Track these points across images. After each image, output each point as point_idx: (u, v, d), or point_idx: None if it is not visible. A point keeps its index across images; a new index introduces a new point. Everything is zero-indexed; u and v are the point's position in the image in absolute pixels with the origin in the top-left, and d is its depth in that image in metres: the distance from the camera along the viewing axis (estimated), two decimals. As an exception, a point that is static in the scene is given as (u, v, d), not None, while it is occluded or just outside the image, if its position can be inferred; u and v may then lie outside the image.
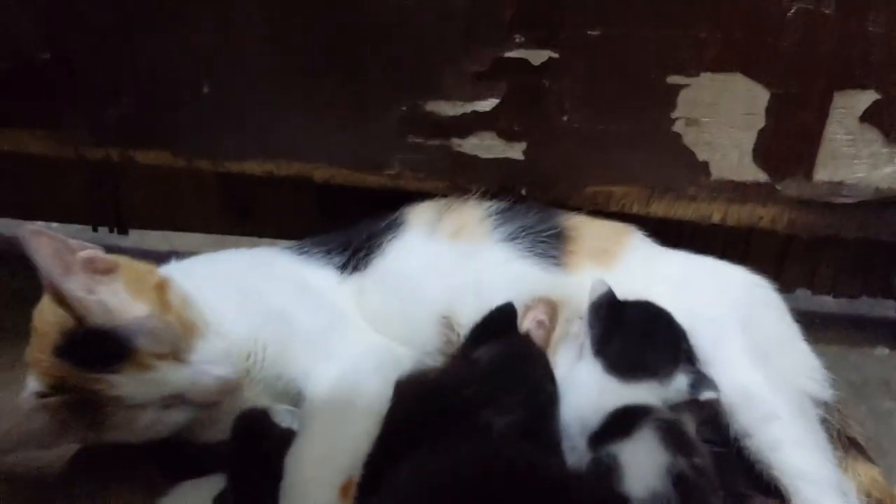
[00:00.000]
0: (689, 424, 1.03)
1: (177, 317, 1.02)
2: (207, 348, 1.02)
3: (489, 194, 1.31)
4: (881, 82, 1.24)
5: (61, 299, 0.98)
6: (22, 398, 0.99)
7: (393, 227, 1.27)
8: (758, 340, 1.16)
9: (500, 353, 1.09)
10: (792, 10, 1.19)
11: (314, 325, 1.15)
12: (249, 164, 1.34)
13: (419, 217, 1.29)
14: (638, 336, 1.07)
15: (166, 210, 1.49)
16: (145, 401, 0.97)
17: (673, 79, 1.25)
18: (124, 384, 0.96)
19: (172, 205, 1.48)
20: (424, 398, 1.04)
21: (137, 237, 1.55)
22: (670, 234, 1.32)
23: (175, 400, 0.99)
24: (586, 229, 1.29)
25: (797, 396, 1.12)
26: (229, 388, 1.02)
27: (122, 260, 1.06)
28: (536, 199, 1.32)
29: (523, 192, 1.33)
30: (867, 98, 1.25)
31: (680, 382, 1.03)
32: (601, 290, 1.10)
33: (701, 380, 1.03)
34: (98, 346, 0.96)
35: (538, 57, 1.24)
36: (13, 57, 1.27)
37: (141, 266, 1.09)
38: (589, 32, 1.22)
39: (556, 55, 1.23)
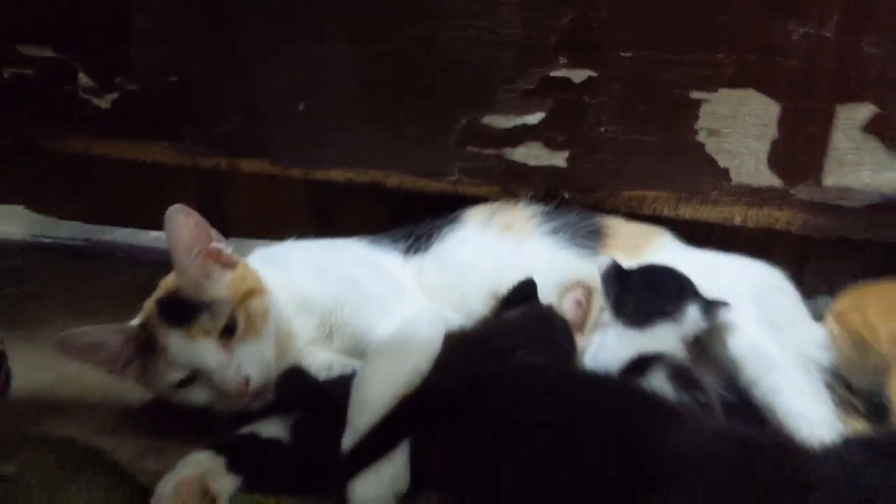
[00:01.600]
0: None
1: (246, 317, 1.22)
2: (254, 350, 1.21)
3: (536, 198, 1.53)
4: (878, 96, 1.42)
5: (181, 269, 1.23)
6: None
7: (452, 222, 1.50)
8: (769, 314, 1.32)
9: (524, 314, 1.29)
10: (797, 35, 1.40)
11: (381, 292, 1.37)
12: (334, 172, 1.59)
13: (475, 215, 1.51)
14: (646, 289, 1.24)
15: (263, 219, 1.73)
16: (180, 363, 1.19)
17: (695, 94, 1.46)
18: (173, 341, 1.18)
19: (267, 214, 1.73)
20: (464, 346, 1.23)
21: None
22: (698, 237, 1.50)
23: (204, 377, 1.19)
24: (621, 228, 1.49)
25: (802, 359, 1.28)
26: (250, 391, 1.19)
27: (241, 261, 1.31)
28: (578, 203, 1.53)
29: (566, 196, 1.55)
30: (867, 110, 1.43)
31: (692, 315, 1.20)
32: (607, 264, 1.29)
33: (711, 305, 1.21)
34: (178, 308, 1.20)
35: (579, 76, 1.47)
36: (146, 80, 1.56)
37: (251, 272, 1.32)
38: (623, 54, 1.45)
39: (595, 74, 1.46)
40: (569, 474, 0.90)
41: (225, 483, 1.09)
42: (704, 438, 0.92)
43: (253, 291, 1.27)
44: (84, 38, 1.55)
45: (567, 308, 1.38)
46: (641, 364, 1.18)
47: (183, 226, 1.23)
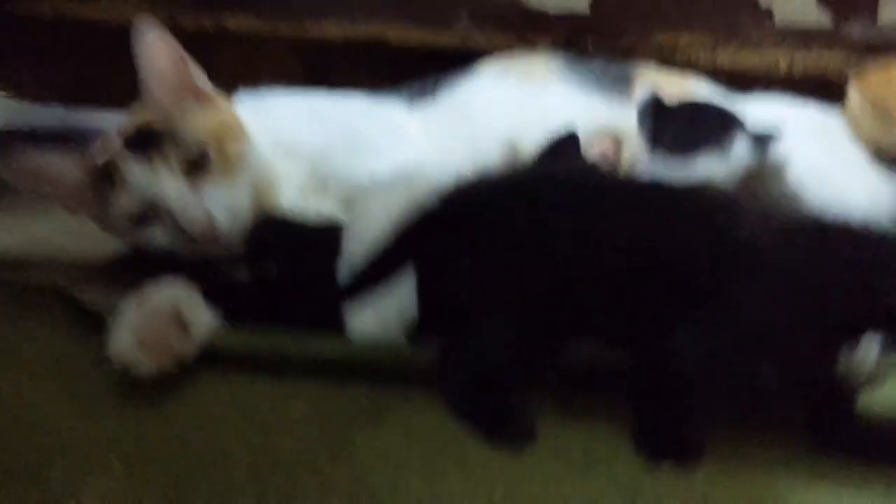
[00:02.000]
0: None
1: (220, 157, 1.09)
2: (225, 193, 1.07)
3: (556, 48, 1.37)
4: None
5: (151, 98, 1.08)
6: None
7: (464, 74, 1.34)
8: (835, 148, 1.17)
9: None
10: None
11: (381, 137, 1.22)
12: (329, 26, 1.43)
13: (489, 66, 1.35)
14: (688, 121, 1.10)
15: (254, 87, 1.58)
16: (139, 193, 1.05)
17: (733, -85, 1.30)
18: (133, 170, 1.05)
19: (259, 82, 1.57)
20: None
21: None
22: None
23: (166, 215, 1.05)
24: (653, 75, 1.33)
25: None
26: (216, 235, 1.06)
27: (220, 98, 1.17)
28: (604, 52, 1.37)
29: (590, 46, 1.39)
30: (929, -77, 1.27)
31: (740, 147, 1.05)
32: (646, 96, 1.14)
33: (762, 138, 1.05)
34: (143, 138, 1.07)
35: None
36: (118, -76, 1.40)
37: (231, 113, 1.17)
38: None
39: None
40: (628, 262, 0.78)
41: (202, 316, 0.93)
42: (773, 223, 0.79)
43: (230, 130, 1.13)
44: None
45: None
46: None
47: (157, 47, 1.09)
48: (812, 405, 0.85)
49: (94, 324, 0.94)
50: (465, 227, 0.85)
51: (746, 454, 0.83)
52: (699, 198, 0.84)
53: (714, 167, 1.06)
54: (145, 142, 1.06)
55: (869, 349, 0.95)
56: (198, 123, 1.10)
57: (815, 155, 1.12)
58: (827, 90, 1.40)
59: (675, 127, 1.10)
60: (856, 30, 1.33)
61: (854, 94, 1.17)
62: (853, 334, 0.78)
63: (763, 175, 1.11)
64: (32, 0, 1.47)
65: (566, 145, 1.17)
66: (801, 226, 0.80)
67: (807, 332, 0.75)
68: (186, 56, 1.12)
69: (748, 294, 0.74)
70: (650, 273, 0.77)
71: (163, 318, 0.89)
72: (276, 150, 1.18)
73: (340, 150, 1.19)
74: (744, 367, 0.78)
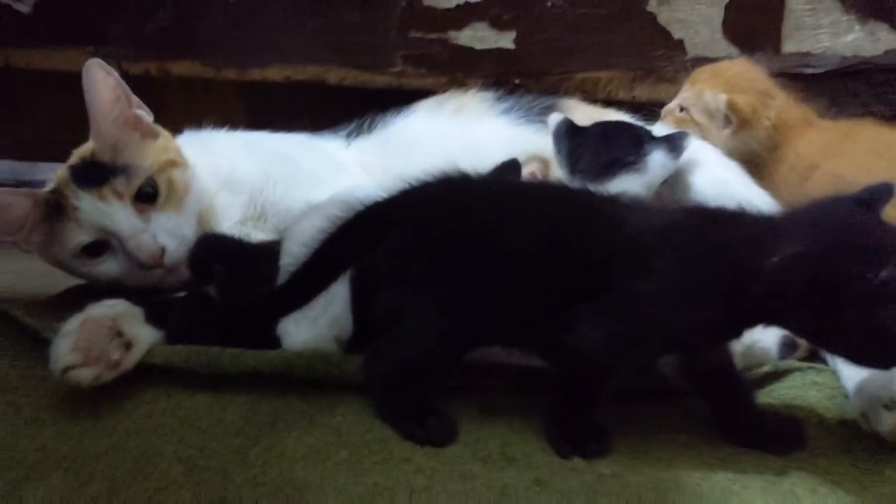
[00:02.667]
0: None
1: (167, 186, 1.16)
2: (172, 221, 1.15)
3: (486, 86, 1.46)
4: (831, -51, 1.38)
5: (98, 132, 1.14)
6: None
7: (400, 111, 1.43)
8: (736, 168, 1.26)
9: None
10: None
11: (317, 167, 1.30)
12: (270, 70, 1.51)
13: (424, 103, 1.44)
14: (601, 143, 1.18)
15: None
16: (89, 224, 1.12)
17: (643, -41, 1.41)
18: (83, 202, 1.11)
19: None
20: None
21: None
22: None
23: (116, 246, 1.12)
24: (578, 107, 1.43)
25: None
26: (166, 262, 1.13)
27: (164, 132, 1.24)
28: (530, 89, 1.46)
29: (517, 82, 1.48)
30: (821, -34, 1.39)
31: (657, 158, 1.13)
32: (558, 120, 1.22)
33: (672, 139, 1.13)
34: (91, 171, 1.14)
35: (521, -56, 1.41)
36: (67, -23, 1.48)
37: (173, 144, 1.25)
38: (564, -81, 1.39)
39: (537, -58, 1.41)
40: (525, 263, 0.85)
41: (142, 332, 0.98)
42: (656, 221, 0.87)
43: (174, 162, 1.20)
44: (1, -63, 1.47)
45: (524, 181, 1.30)
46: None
47: (103, 84, 1.16)
48: (713, 396, 0.92)
49: (40, 346, 0.98)
50: (391, 230, 0.90)
51: (652, 441, 0.90)
52: (592, 200, 0.91)
53: (633, 183, 1.13)
54: (93, 174, 1.13)
55: (768, 348, 1.03)
56: (144, 155, 1.17)
57: (718, 168, 1.20)
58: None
59: (590, 149, 1.18)
60: (761, 60, 1.43)
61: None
62: (742, 318, 0.84)
63: (675, 185, 1.21)
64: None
65: (509, 170, 1.26)
66: (680, 220, 0.87)
67: (699, 318, 0.81)
68: (130, 92, 1.19)
69: (640, 285, 0.81)
70: (553, 268, 0.83)
71: (102, 331, 0.93)
72: (217, 182, 1.25)
73: (278, 181, 1.26)
74: (643, 353, 0.85)
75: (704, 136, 1.29)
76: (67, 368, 0.89)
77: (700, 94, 1.30)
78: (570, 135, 1.21)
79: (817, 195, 0.90)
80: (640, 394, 0.96)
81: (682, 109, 1.32)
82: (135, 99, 1.20)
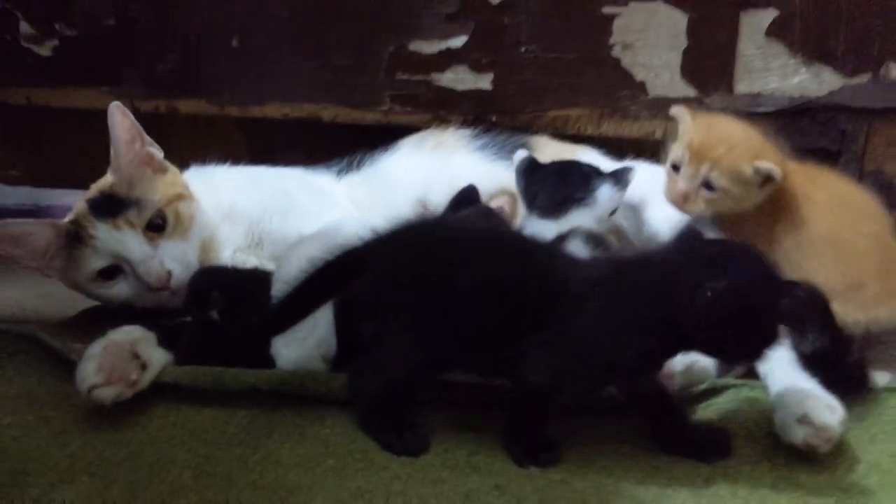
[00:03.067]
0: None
1: (175, 217, 1.31)
2: (178, 249, 1.30)
3: (466, 123, 1.60)
4: (778, 0, 1.51)
5: (116, 168, 1.29)
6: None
7: (387, 148, 1.57)
8: None
9: (470, 214, 1.36)
10: (695, -55, 1.50)
11: (311, 200, 1.44)
12: (270, 107, 1.65)
13: (407, 141, 1.58)
14: (555, 181, 1.31)
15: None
16: (105, 251, 1.27)
17: (607, 9, 1.54)
18: (100, 231, 1.27)
19: (209, 158, 1.77)
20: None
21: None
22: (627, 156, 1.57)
23: (128, 270, 1.27)
24: (547, 144, 1.57)
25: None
26: (172, 285, 1.28)
27: (172, 168, 1.39)
28: (505, 126, 1.60)
29: (494, 119, 1.61)
30: (769, 15, 1.52)
31: (604, 192, 1.26)
32: (520, 158, 1.35)
33: (618, 174, 1.26)
34: (108, 203, 1.29)
35: (496, -3, 1.55)
36: (85, 25, 1.61)
37: (180, 179, 1.40)
38: (536, -26, 1.53)
39: (511, -5, 1.55)
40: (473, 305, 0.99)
41: (156, 355, 1.11)
42: (580, 267, 1.03)
43: (181, 196, 1.35)
44: (23, -13, 1.62)
45: (494, 210, 1.44)
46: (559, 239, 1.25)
47: (120, 125, 1.31)
48: (649, 412, 1.05)
49: (64, 365, 1.12)
50: (369, 269, 1.04)
51: (598, 451, 1.04)
52: (529, 247, 1.06)
53: (584, 217, 1.27)
54: (110, 206, 1.28)
55: (707, 367, 1.16)
56: (155, 189, 1.32)
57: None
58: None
59: (545, 187, 1.31)
60: (716, 100, 1.57)
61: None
62: (670, 348, 0.98)
63: (633, 221, 1.35)
64: (6, 89, 1.67)
65: (467, 196, 1.41)
66: (601, 268, 1.02)
67: (630, 350, 0.95)
68: (143, 131, 1.35)
69: (574, 324, 0.95)
70: (501, 307, 0.97)
71: (122, 354, 1.07)
72: (219, 213, 1.39)
73: (274, 214, 1.40)
74: (583, 383, 0.99)
75: (740, 204, 1.26)
76: (93, 388, 1.03)
77: (731, 168, 1.24)
78: (528, 172, 1.34)
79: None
80: (587, 409, 1.10)
81: (708, 187, 1.25)
82: (147, 137, 1.34)
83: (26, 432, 1.04)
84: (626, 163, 1.40)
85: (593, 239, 1.22)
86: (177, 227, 1.31)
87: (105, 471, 0.97)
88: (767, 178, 1.24)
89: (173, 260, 1.29)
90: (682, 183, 1.25)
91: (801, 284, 0.96)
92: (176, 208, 1.32)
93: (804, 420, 1.01)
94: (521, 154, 1.35)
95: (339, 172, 1.54)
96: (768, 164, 1.23)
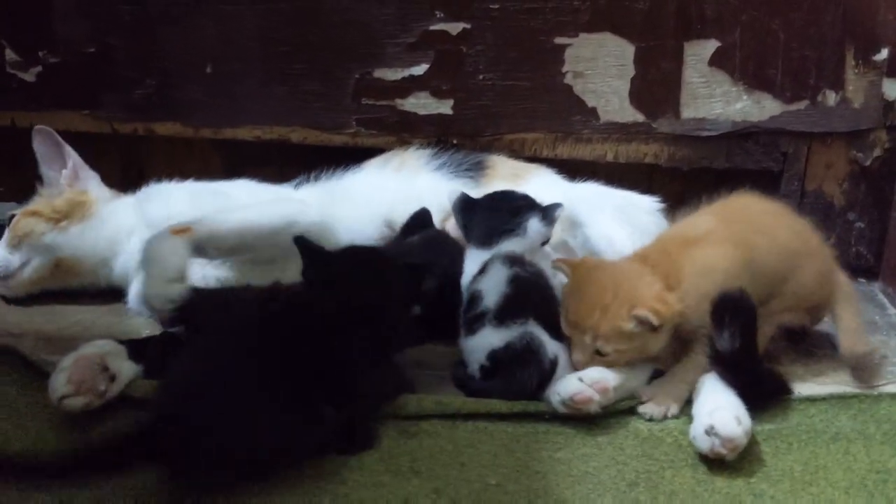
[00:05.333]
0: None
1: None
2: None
3: (428, 145, 1.69)
4: (719, 32, 1.61)
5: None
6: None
7: (350, 168, 1.65)
8: (630, 221, 1.48)
9: (427, 238, 1.46)
10: (641, -21, 1.59)
11: (251, 199, 1.54)
12: (242, 130, 1.74)
13: (372, 162, 1.67)
14: (487, 214, 1.37)
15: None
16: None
17: (559, 40, 1.64)
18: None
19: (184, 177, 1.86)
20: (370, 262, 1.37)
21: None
22: (583, 177, 1.65)
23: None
24: (501, 162, 1.65)
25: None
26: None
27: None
28: (466, 148, 1.69)
29: (455, 142, 1.70)
30: (711, 46, 1.62)
31: (534, 225, 1.33)
32: (456, 195, 1.40)
33: (547, 210, 1.34)
34: None
35: (455, 28, 1.64)
36: (67, 52, 1.70)
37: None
38: (491, 6, 1.63)
39: (469, 26, 1.64)
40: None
41: (125, 367, 1.20)
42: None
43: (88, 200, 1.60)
44: (10, 16, 1.70)
45: (450, 231, 1.53)
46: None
47: (43, 145, 1.63)
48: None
49: (42, 377, 1.20)
50: None
51: (533, 457, 1.13)
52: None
53: (515, 246, 1.34)
54: None
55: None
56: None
57: (608, 224, 1.43)
58: (644, 172, 1.75)
59: (479, 221, 1.37)
60: (664, 125, 1.67)
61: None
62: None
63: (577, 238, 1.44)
64: (-6, 112, 1.77)
65: (420, 219, 1.50)
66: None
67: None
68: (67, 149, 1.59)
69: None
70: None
71: (92, 366, 1.15)
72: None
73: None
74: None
75: (647, 350, 1.23)
76: (63, 397, 1.11)
77: (611, 331, 1.20)
78: (464, 208, 1.39)
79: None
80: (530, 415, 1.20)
81: (601, 353, 1.22)
82: (74, 156, 1.62)
83: (4, 440, 1.12)
84: (557, 200, 1.39)
85: (511, 259, 1.30)
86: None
87: (76, 475, 1.06)
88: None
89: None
90: (575, 354, 1.23)
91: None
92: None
93: (711, 431, 1.10)
94: (454, 192, 1.40)
95: (296, 185, 1.63)
96: (644, 313, 1.17)
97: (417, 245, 1.46)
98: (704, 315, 1.19)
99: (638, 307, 1.18)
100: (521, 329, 1.23)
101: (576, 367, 1.22)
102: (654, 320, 1.17)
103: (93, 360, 1.16)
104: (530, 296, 1.27)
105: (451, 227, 1.52)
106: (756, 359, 1.22)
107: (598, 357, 1.21)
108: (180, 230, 1.35)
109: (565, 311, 1.24)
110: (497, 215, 1.35)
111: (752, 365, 1.20)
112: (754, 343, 1.20)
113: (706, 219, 1.34)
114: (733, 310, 1.17)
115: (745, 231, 1.31)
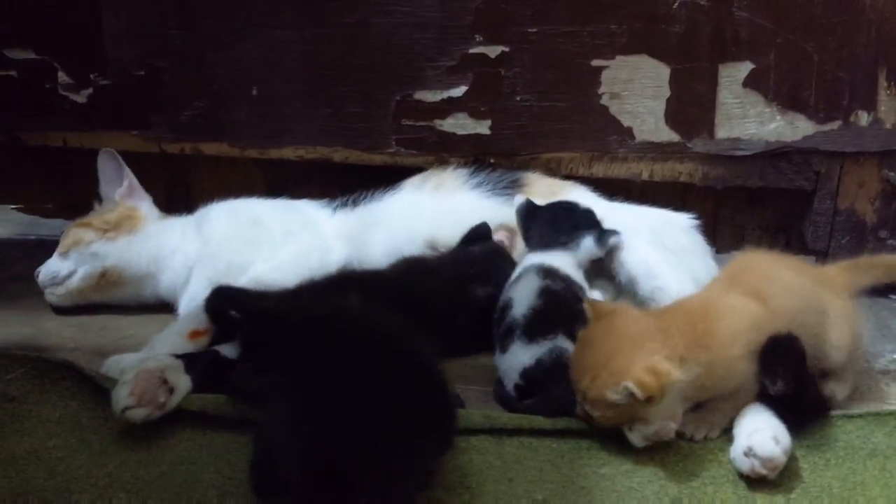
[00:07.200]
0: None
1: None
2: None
3: (466, 164, 1.73)
4: (754, 54, 1.64)
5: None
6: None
7: (390, 188, 1.70)
8: (666, 243, 1.51)
9: (486, 248, 1.54)
10: (676, 4, 1.62)
11: (281, 229, 1.62)
12: (286, 150, 1.79)
13: (410, 182, 1.71)
14: (547, 222, 1.45)
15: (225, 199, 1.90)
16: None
17: (596, 62, 1.68)
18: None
19: (229, 195, 1.89)
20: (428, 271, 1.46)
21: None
22: (617, 195, 1.69)
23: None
24: (540, 180, 1.69)
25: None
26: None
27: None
28: (503, 167, 1.73)
29: (492, 161, 1.75)
30: (745, 68, 1.65)
31: (587, 243, 1.39)
32: (520, 201, 1.49)
33: (603, 234, 1.39)
34: None
35: (494, 51, 1.68)
36: (118, 75, 1.76)
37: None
38: (529, 30, 1.66)
39: (507, 49, 1.68)
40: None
41: (183, 380, 1.25)
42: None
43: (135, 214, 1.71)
44: (63, 41, 1.75)
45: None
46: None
47: (107, 166, 1.72)
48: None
49: (101, 391, 1.25)
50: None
51: (578, 473, 1.17)
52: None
53: (567, 258, 1.40)
54: None
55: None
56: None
57: (645, 250, 1.46)
58: (678, 191, 1.78)
59: (539, 228, 1.45)
60: (698, 144, 1.70)
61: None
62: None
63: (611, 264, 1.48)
64: (45, 132, 1.83)
65: (480, 232, 1.57)
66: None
67: None
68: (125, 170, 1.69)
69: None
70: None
71: (152, 379, 1.20)
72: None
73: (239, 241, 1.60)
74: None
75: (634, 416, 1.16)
76: (126, 409, 1.17)
77: (598, 398, 1.15)
78: (527, 214, 1.48)
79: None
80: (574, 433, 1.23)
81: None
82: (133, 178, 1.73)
83: (70, 453, 1.18)
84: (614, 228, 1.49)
85: (545, 270, 1.37)
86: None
87: (139, 488, 1.11)
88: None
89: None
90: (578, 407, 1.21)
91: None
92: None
93: (750, 453, 1.13)
94: (520, 198, 1.49)
95: (336, 209, 1.68)
96: (632, 386, 1.10)
97: (470, 256, 1.52)
98: (741, 376, 1.19)
99: (625, 379, 1.11)
100: (550, 344, 1.28)
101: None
102: (640, 394, 1.10)
103: (153, 373, 1.21)
104: (559, 309, 1.32)
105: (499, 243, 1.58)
106: (808, 395, 1.23)
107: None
108: (197, 333, 1.39)
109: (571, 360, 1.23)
110: (555, 226, 1.42)
111: (804, 403, 1.22)
112: (806, 383, 1.22)
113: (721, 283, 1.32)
114: (783, 356, 1.18)
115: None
